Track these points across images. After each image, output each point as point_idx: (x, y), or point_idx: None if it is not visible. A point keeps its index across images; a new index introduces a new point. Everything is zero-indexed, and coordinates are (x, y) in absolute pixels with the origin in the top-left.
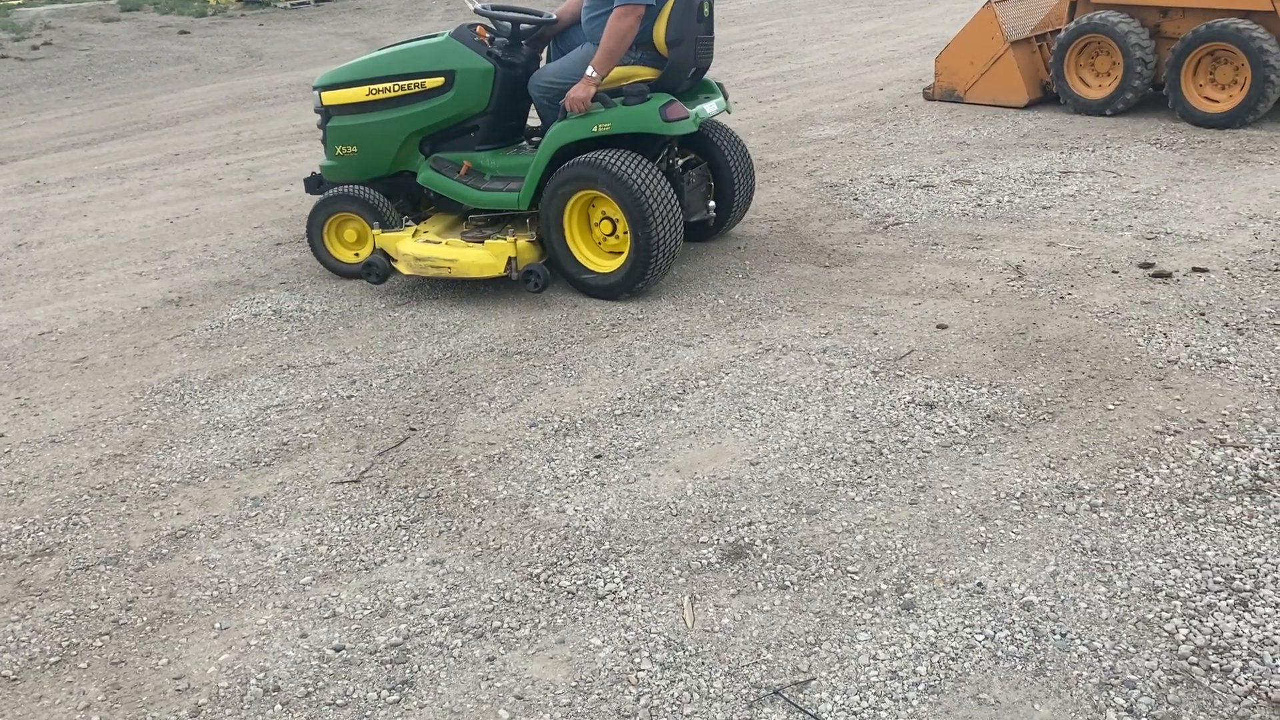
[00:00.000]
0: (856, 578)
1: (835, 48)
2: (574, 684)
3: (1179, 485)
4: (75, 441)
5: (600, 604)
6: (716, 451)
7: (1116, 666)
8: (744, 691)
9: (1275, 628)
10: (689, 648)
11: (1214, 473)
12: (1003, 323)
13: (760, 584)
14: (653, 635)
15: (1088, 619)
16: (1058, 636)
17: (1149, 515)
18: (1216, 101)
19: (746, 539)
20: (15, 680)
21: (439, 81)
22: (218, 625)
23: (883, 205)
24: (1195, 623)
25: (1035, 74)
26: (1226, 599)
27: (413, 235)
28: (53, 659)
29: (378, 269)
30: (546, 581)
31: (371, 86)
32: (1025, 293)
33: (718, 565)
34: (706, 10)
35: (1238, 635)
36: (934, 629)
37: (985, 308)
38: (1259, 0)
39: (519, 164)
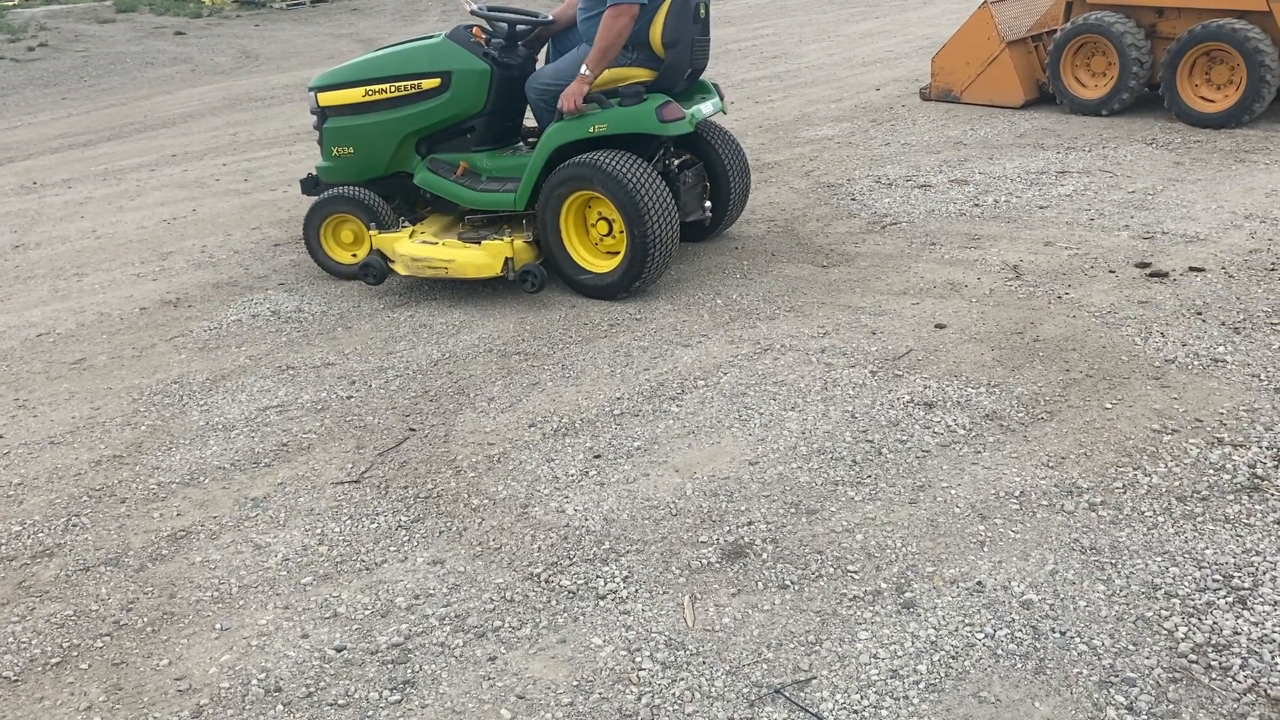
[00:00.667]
0: (856, 577)
1: (831, 48)
2: (575, 683)
3: (1177, 484)
4: (74, 443)
5: (601, 603)
6: (716, 451)
7: (1116, 664)
8: (745, 690)
9: (1274, 625)
10: (690, 647)
11: (1212, 471)
12: (1001, 322)
13: (760, 583)
14: (653, 635)
15: (1087, 617)
16: (1057, 635)
17: (1147, 514)
18: (1212, 101)
19: (746, 538)
20: (16, 681)
21: (435, 82)
22: (219, 626)
23: (880, 205)
24: (1194, 621)
25: (1031, 74)
26: (1225, 597)
27: (409, 236)
28: (54, 660)
29: (375, 270)
30: (547, 581)
31: (368, 87)
32: (1023, 292)
33: (718, 565)
34: (703, 11)
35: (1236, 633)
36: (934, 628)
37: (983, 307)
38: (1254, 0)
39: (515, 165)
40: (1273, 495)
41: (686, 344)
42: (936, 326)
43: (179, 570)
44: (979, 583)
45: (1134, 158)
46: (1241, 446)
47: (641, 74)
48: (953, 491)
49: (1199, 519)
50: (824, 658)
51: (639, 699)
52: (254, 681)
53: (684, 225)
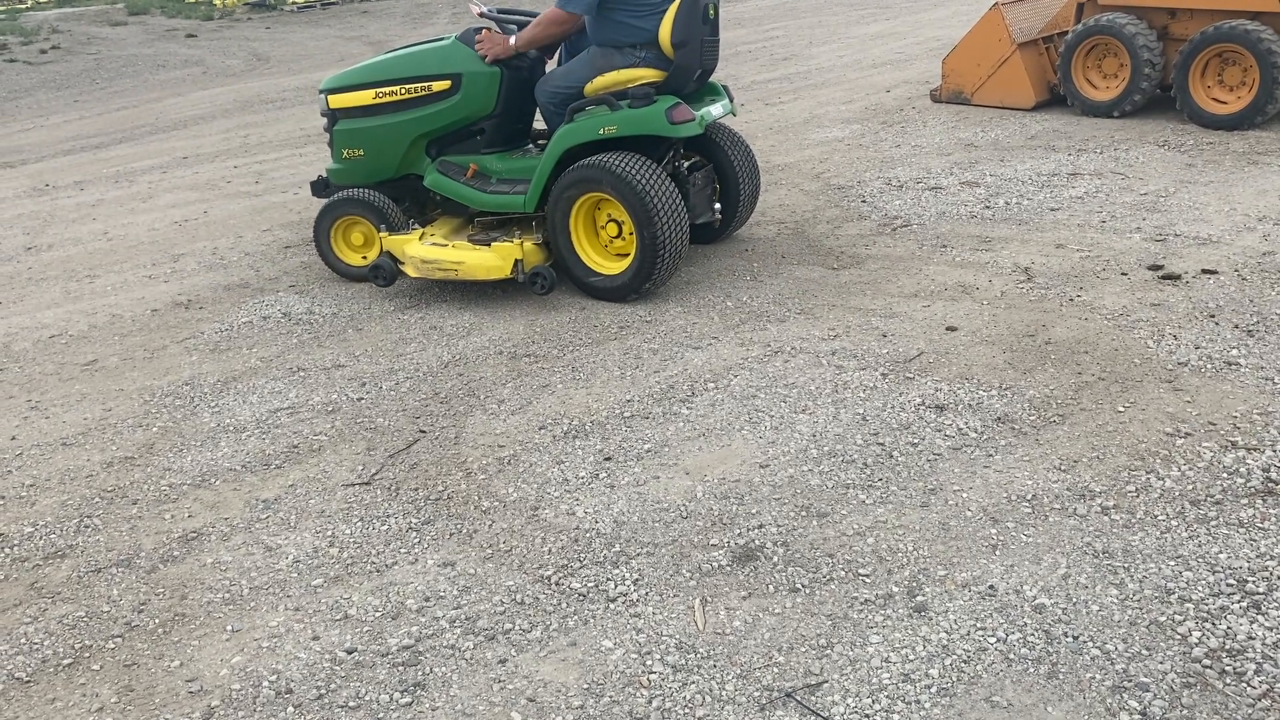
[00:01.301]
0: (868, 580)
1: (842, 50)
2: (586, 686)
3: (1190, 487)
4: (86, 444)
5: (611, 606)
6: (726, 454)
7: (1129, 669)
8: (756, 694)
9: None
10: (700, 650)
11: (1225, 475)
12: (1012, 325)
13: (771, 586)
14: (664, 638)
15: (1100, 622)
16: (1070, 639)
17: (1160, 518)
18: (1225, 103)
19: (757, 541)
20: (29, 682)
21: (445, 85)
22: (230, 627)
23: (891, 207)
24: (1208, 625)
25: (1042, 76)
26: (1239, 601)
27: (419, 238)
28: (65, 661)
29: (385, 272)
30: (557, 584)
31: (378, 90)
32: (1034, 295)
33: (728, 568)
34: (711, 12)
35: (1251, 638)
36: (946, 632)
37: (994, 310)
38: (1267, 1)
39: (525, 167)
40: None
41: (697, 346)
42: (948, 329)
43: (190, 572)
44: (991, 586)
45: (1146, 160)
46: (1255, 450)
47: (650, 75)
48: (964, 495)
49: (1213, 523)
50: (835, 661)
51: (649, 702)
52: (265, 683)
53: (694, 227)
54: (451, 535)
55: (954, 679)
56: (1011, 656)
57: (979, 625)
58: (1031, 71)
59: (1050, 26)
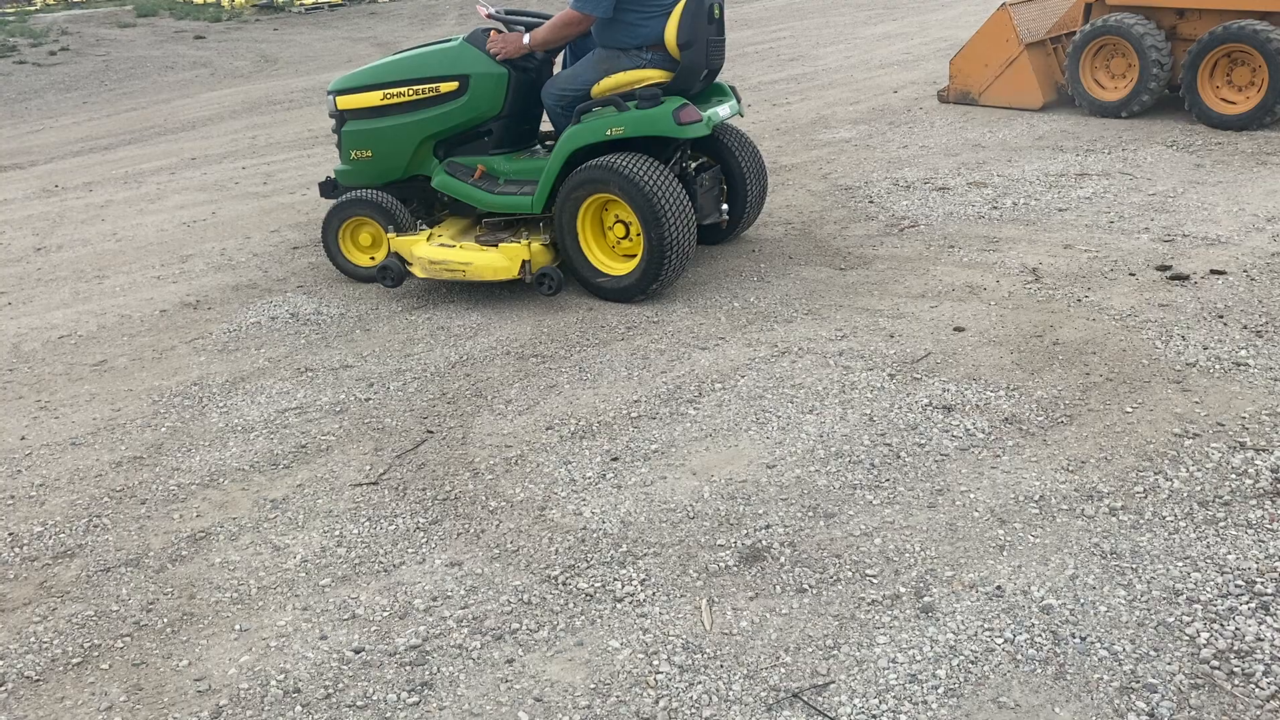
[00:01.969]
0: (875, 581)
1: (849, 50)
2: (593, 686)
3: (1199, 488)
4: (95, 444)
5: (618, 606)
6: (733, 454)
7: (1137, 670)
8: (763, 694)
9: None
10: (707, 650)
11: (1234, 476)
12: (1020, 325)
13: (778, 587)
14: (671, 638)
15: (1108, 622)
16: (1078, 640)
17: (1169, 518)
18: (1233, 103)
19: (764, 542)
20: (38, 681)
21: (453, 86)
22: (238, 627)
23: (898, 208)
24: (1216, 626)
25: (1050, 76)
26: (1248, 602)
27: (427, 239)
28: (75, 660)
29: (393, 272)
30: (564, 584)
31: (386, 91)
32: (1042, 295)
33: (735, 568)
34: (717, 12)
35: (1260, 639)
36: (953, 632)
37: (1002, 310)
38: (1276, 1)
39: (533, 168)
40: None
41: (704, 347)
42: (955, 329)
43: (198, 571)
44: (998, 587)
45: (1154, 160)
46: (1264, 451)
47: (657, 76)
48: (972, 495)
49: (1221, 524)
50: (842, 662)
51: (656, 702)
52: (273, 682)
53: (701, 228)
54: (459, 535)
55: (961, 679)
56: (1019, 657)
57: (986, 626)
58: (1039, 72)
59: (1058, 27)
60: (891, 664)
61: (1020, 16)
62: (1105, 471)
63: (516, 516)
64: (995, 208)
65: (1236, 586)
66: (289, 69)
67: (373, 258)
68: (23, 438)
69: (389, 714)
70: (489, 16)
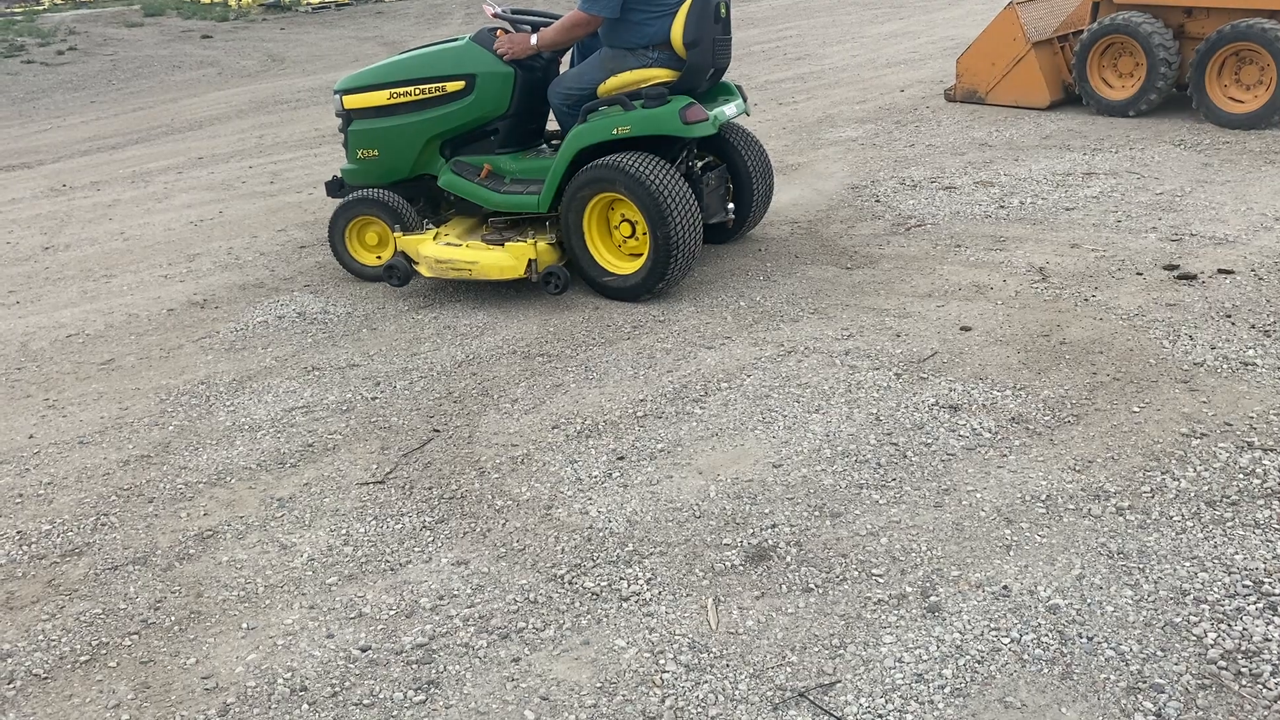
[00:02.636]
0: (881, 580)
1: (855, 49)
2: (599, 685)
3: (1206, 488)
4: (103, 443)
5: (624, 605)
6: (739, 454)
7: (1144, 670)
8: (769, 694)
9: None
10: (713, 650)
11: (1241, 475)
12: (1026, 324)
13: (784, 586)
14: (677, 637)
15: (1114, 622)
16: (1084, 640)
17: (1176, 518)
18: (1241, 102)
19: (770, 541)
20: (46, 679)
21: (459, 85)
22: (245, 625)
23: (904, 207)
24: (1224, 627)
25: (1057, 75)
26: (1255, 603)
27: (434, 238)
28: (83, 658)
29: (399, 271)
30: (570, 583)
31: (392, 90)
32: (1049, 294)
33: (741, 567)
34: (723, 10)
35: (1267, 639)
36: (959, 632)
37: (1009, 309)
38: None
39: (539, 167)
40: None
41: (710, 346)
42: (962, 329)
43: (206, 570)
44: (1005, 587)
45: (1161, 159)
46: (1272, 451)
47: (664, 75)
48: (978, 495)
49: (1228, 524)
50: (848, 661)
51: (662, 701)
52: (280, 680)
53: (707, 227)
54: (465, 534)
55: (967, 679)
56: (1025, 657)
57: (993, 626)
58: (1046, 71)
59: (1065, 25)
60: (898, 663)
61: (1027, 15)
62: (1112, 471)
63: (523, 515)
64: (1002, 207)
65: (1244, 587)
66: (296, 68)
67: (379, 257)
68: (31, 436)
69: (395, 712)
70: (495, 16)
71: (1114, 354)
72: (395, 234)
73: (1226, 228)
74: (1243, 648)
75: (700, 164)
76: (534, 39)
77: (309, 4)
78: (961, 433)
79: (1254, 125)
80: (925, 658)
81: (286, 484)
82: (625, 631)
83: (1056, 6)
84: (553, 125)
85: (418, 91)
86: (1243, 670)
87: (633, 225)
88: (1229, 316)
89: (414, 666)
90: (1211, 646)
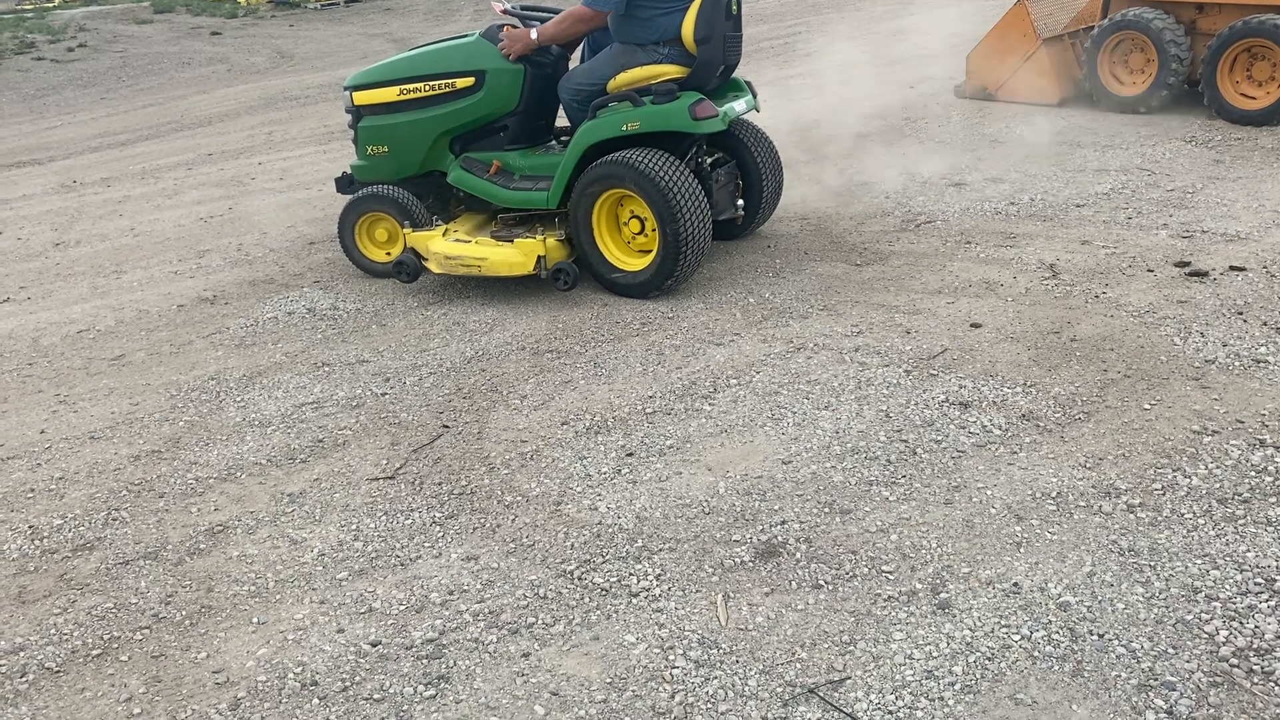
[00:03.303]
0: (891, 577)
1: (865, 45)
2: (609, 680)
3: (1218, 486)
4: (114, 438)
5: (634, 601)
6: (749, 450)
7: (1155, 668)
8: (779, 690)
9: None
10: (723, 645)
11: (1253, 473)
12: (1037, 321)
13: (794, 583)
14: (687, 633)
15: (1126, 620)
16: (1095, 637)
17: (1187, 516)
18: (1253, 98)
19: (780, 538)
20: (58, 672)
21: (469, 81)
22: (256, 620)
23: (914, 203)
24: (1235, 624)
25: (1068, 72)
26: (1267, 600)
27: (443, 234)
28: (94, 652)
29: (409, 268)
30: (580, 578)
31: (402, 87)
32: (1060, 291)
33: (751, 564)
34: (734, 8)
35: (1279, 637)
36: (970, 629)
37: (1019, 306)
38: None
39: (548, 163)
40: None
41: (719, 342)
42: (972, 326)
43: (216, 564)
44: (1015, 584)
45: (1173, 156)
46: None
47: (674, 71)
48: (988, 492)
49: (1240, 521)
50: (858, 658)
51: (672, 697)
52: (290, 675)
53: (716, 224)
54: (475, 529)
55: (978, 676)
56: (1036, 654)
57: (1003, 623)
58: (1057, 67)
59: (1076, 22)
60: (908, 660)
61: (1038, 11)
62: (1123, 468)
63: (532, 511)
64: (1012, 203)
65: (1256, 584)
66: (305, 65)
67: (389, 253)
68: (42, 431)
69: (405, 707)
70: (504, 12)
71: (1125, 351)
72: (405, 230)
73: (1238, 224)
74: (1255, 645)
75: (710, 160)
76: (533, 34)
77: (318, 1)
78: (972, 430)
79: (1266, 122)
80: (935, 654)
81: (297, 479)
82: (635, 627)
83: (1067, 3)
84: (562, 121)
85: (427, 88)
86: (1254, 668)
87: (642, 221)
88: (1241, 313)
89: (424, 661)
90: (1223, 644)
